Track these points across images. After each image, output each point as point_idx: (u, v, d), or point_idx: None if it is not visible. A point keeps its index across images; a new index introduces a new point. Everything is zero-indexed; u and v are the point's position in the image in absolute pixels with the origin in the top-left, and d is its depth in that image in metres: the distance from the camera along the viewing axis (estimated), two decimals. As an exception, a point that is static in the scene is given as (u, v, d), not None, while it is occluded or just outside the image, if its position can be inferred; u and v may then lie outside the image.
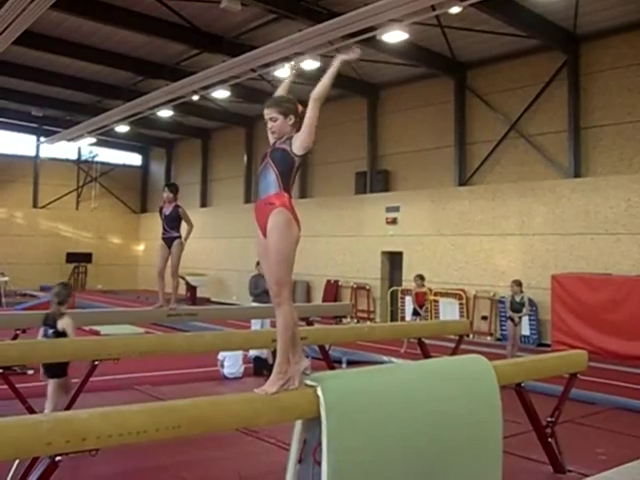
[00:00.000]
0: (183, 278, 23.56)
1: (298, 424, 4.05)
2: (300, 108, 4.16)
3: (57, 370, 6.48)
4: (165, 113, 22.34)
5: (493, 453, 4.64)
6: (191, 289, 24.71)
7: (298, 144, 4.03)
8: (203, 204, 28.99)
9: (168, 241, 8.68)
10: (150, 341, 6.42)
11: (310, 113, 4.01)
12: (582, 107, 15.61)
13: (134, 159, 33.89)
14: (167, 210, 8.75)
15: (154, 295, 8.85)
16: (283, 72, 16.17)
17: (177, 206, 8.74)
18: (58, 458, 3.29)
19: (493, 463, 4.63)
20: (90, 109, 24.11)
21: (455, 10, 12.74)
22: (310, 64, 15.88)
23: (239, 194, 26.59)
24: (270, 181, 4.00)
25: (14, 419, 3.20)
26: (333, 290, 20.96)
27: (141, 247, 33.12)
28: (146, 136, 30.47)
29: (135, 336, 6.35)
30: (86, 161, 31.89)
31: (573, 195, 15.25)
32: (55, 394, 6.44)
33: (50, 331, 6.57)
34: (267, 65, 16.08)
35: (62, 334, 6.46)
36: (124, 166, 33.32)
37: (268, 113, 4.13)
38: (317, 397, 3.85)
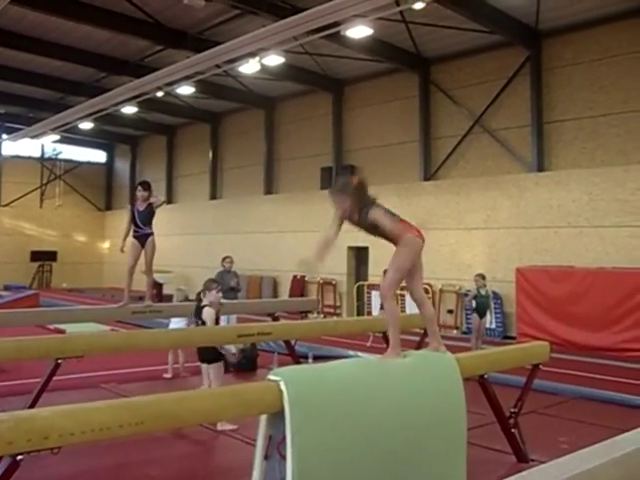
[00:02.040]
0: (149, 275, 23.38)
1: (263, 420, 4.05)
2: (355, 181, 4.81)
3: (210, 355, 7.22)
4: (129, 110, 22.12)
5: (457, 444, 4.67)
6: (157, 286, 24.49)
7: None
8: (169, 201, 28.69)
9: (141, 238, 8.64)
10: (114, 338, 6.37)
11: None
12: (545, 102, 15.79)
13: (98, 156, 33.60)
14: (141, 207, 8.68)
15: (120, 293, 8.79)
16: (248, 68, 16.12)
17: (150, 204, 8.72)
18: (19, 457, 3.26)
19: (458, 454, 4.67)
20: (53, 106, 23.82)
21: (419, 6, 12.75)
22: (275, 60, 15.86)
23: (205, 191, 26.49)
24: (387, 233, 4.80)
25: (-27, 419, 3.16)
26: (299, 285, 20.99)
27: (106, 245, 32.84)
28: (110, 133, 30.22)
29: (99, 333, 6.29)
30: (50, 158, 31.56)
31: (537, 189, 15.44)
32: (208, 378, 7.22)
33: (199, 322, 7.44)
34: (232, 61, 15.98)
35: (205, 324, 7.30)
36: (88, 163, 33.07)
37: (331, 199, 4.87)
38: (280, 391, 3.85)
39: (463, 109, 17.46)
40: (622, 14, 14.48)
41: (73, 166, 32.18)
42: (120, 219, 31.41)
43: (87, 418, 3.40)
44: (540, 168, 15.66)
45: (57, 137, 26.30)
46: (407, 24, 15.75)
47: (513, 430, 5.88)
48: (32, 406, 5.81)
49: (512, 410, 5.94)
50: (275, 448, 3.99)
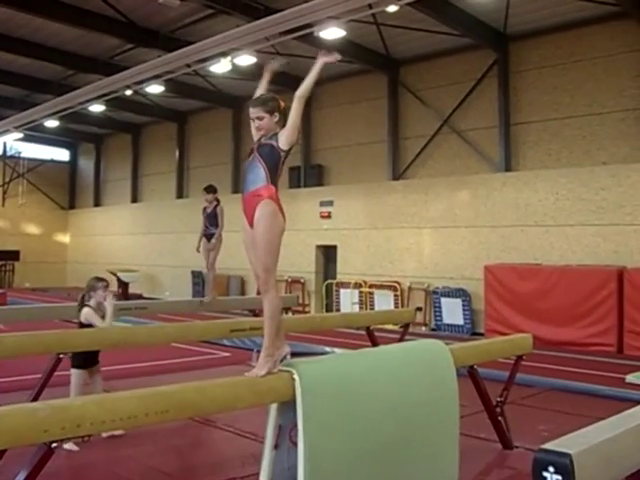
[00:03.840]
0: (114, 274, 23.31)
1: (273, 410, 4.25)
2: (282, 105, 4.38)
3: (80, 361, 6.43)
4: (96, 108, 21.99)
5: (451, 432, 4.93)
6: (123, 285, 24.41)
7: (284, 140, 4.24)
8: (134, 199, 28.67)
9: (208, 237, 10.16)
10: (113, 333, 6.46)
11: (294, 111, 4.21)
12: (511, 104, 16.18)
13: (62, 155, 33.24)
14: (209, 209, 10.23)
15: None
16: (218, 67, 16.21)
17: (216, 206, 10.25)
18: (54, 445, 3.39)
19: (451, 441, 4.93)
20: (18, 103, 23.59)
21: (392, 9, 13.02)
22: (246, 60, 15.97)
23: (171, 189, 26.44)
24: (258, 175, 4.22)
25: (11, 408, 3.25)
26: (269, 284, 21.06)
27: (70, 244, 32.59)
28: (75, 131, 29.91)
29: (97, 329, 6.36)
30: (12, 156, 31.16)
31: (504, 189, 15.81)
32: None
33: None
34: (203, 61, 16.07)
35: None
36: (52, 162, 32.67)
37: (254, 112, 4.35)
38: (293, 380, 4.05)
39: (431, 110, 17.78)
40: (585, 21, 14.93)
41: (36, 164, 31.78)
42: (83, 218, 31.30)
43: (116, 407, 3.55)
44: (507, 168, 16.04)
45: (20, 135, 25.99)
46: (379, 26, 16.00)
47: (500, 418, 6.15)
48: (35, 401, 5.90)
49: (498, 399, 6.21)
50: (286, 437, 4.20)
